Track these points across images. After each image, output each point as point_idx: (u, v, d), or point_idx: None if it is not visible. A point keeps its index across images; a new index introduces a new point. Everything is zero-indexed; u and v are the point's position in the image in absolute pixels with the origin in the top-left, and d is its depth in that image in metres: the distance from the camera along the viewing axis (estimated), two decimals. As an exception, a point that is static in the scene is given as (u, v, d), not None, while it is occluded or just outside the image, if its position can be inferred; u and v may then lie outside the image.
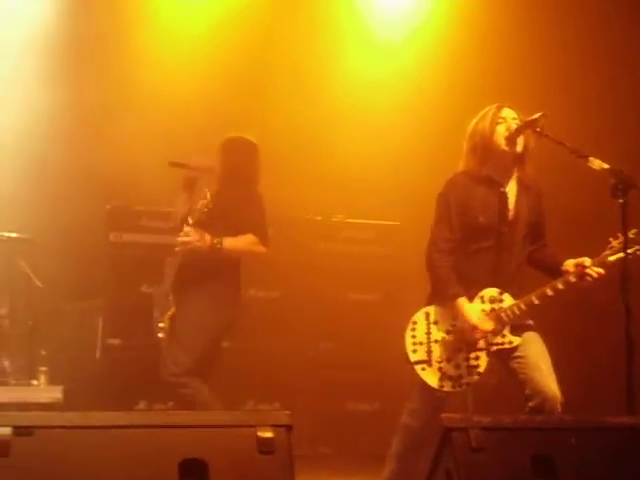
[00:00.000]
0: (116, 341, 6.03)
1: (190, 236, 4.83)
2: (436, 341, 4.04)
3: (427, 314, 4.08)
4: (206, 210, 4.92)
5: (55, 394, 5.79)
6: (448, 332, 4.04)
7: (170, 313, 4.99)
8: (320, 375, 6.34)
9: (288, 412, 2.68)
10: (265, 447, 2.60)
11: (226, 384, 6.01)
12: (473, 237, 4.06)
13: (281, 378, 6.19)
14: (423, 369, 4.02)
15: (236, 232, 4.93)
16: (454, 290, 4.01)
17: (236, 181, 5.03)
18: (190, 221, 4.84)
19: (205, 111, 6.81)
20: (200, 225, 4.89)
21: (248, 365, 6.20)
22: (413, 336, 4.05)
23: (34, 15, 6.84)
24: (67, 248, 6.57)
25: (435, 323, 4.06)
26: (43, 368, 5.94)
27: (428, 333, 4.04)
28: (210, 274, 4.92)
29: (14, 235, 6.21)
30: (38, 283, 6.32)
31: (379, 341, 6.08)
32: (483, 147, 4.03)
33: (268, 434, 2.61)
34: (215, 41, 6.99)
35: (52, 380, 5.93)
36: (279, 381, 6.20)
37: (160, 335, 4.95)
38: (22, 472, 2.48)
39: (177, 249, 4.96)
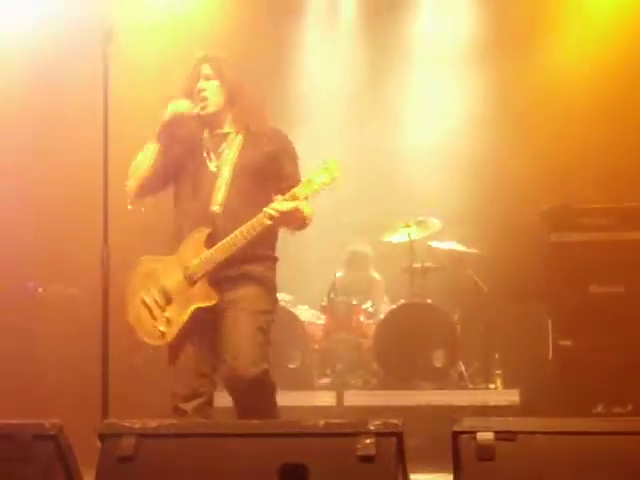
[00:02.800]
0: (568, 342, 5.93)
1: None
2: None
3: None
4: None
5: (511, 397, 5.89)
6: None
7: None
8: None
9: None
10: None
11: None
12: None
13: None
14: None
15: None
16: None
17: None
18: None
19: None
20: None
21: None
22: None
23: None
24: (509, 251, 6.68)
25: None
26: (498, 371, 6.09)
27: None
28: None
29: (461, 247, 6.49)
30: (485, 288, 6.51)
31: None
32: None
33: None
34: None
35: (507, 383, 6.04)
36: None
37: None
38: (506, 476, 2.53)
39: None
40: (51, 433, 2.56)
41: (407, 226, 6.55)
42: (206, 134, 3.79)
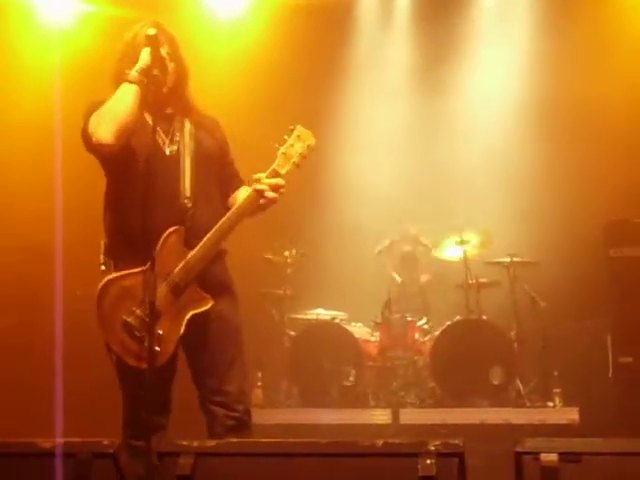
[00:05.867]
0: (628, 359, 5.81)
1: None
2: None
3: None
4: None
5: (571, 415, 5.77)
6: None
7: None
8: None
9: None
10: None
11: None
12: None
13: None
14: None
15: None
16: None
17: None
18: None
19: None
20: None
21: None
22: None
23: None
24: (566, 266, 6.57)
25: None
26: (557, 389, 5.96)
27: None
28: None
29: (517, 259, 6.38)
30: (542, 303, 6.40)
31: None
32: None
33: None
34: None
35: (567, 401, 5.92)
36: None
37: None
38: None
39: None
40: (110, 451, 2.57)
41: (462, 243, 6.51)
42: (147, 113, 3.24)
